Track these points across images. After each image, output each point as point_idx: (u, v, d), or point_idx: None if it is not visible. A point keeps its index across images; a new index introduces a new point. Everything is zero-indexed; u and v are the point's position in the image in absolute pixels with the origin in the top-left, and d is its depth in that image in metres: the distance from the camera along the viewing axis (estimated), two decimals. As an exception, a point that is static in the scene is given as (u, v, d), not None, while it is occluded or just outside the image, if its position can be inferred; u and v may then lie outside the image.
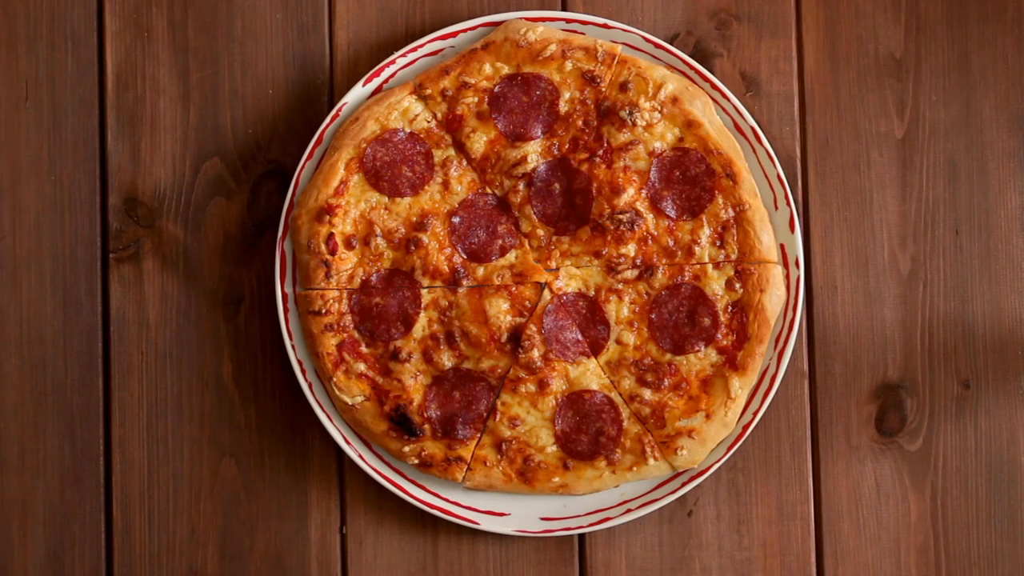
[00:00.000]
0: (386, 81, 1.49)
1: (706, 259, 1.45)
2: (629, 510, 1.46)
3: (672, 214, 1.46)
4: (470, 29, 1.49)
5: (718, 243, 1.45)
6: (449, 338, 1.46)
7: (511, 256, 1.47)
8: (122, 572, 1.49)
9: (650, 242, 1.46)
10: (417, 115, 1.48)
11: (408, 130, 1.48)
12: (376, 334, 1.46)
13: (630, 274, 1.47)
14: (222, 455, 1.50)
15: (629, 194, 1.45)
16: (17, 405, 1.51)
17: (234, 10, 1.53)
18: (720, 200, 1.45)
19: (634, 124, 1.45)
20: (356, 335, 1.46)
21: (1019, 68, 1.52)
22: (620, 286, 1.46)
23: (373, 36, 1.53)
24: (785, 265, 1.47)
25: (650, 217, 1.46)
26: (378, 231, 1.46)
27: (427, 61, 1.49)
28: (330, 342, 1.45)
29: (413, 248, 1.46)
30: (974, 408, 1.50)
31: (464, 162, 1.48)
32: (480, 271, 1.47)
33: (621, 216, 1.45)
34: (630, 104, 1.45)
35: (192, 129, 1.52)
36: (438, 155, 1.48)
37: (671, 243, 1.45)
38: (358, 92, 1.49)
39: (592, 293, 1.47)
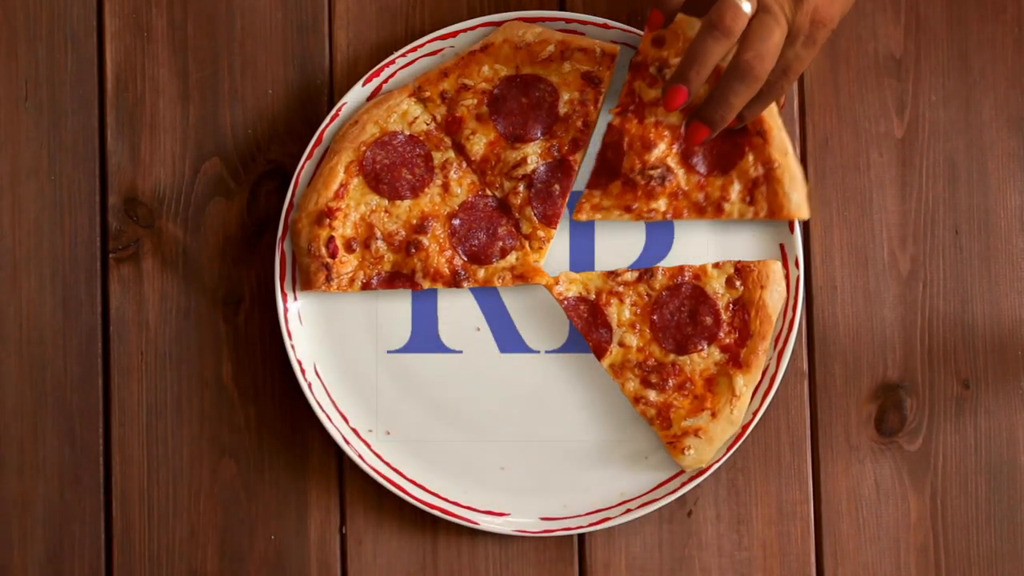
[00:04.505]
0: (385, 81, 1.49)
1: (735, 215, 1.44)
2: (629, 510, 1.47)
3: (702, 170, 1.45)
4: (470, 29, 1.49)
5: (747, 199, 1.44)
6: (450, 339, 1.48)
7: (511, 258, 1.48)
8: (122, 572, 1.49)
9: (680, 197, 1.45)
10: (416, 117, 1.48)
11: (408, 133, 1.48)
12: None
13: (630, 276, 1.47)
14: (222, 455, 1.50)
15: (660, 149, 1.44)
16: (17, 405, 1.51)
17: (234, 10, 1.53)
18: (750, 157, 1.44)
19: (664, 80, 1.44)
20: None
21: (1019, 68, 1.52)
22: (620, 288, 1.46)
23: (373, 36, 1.53)
24: (785, 265, 1.47)
25: (680, 172, 1.45)
26: (378, 234, 1.46)
27: (427, 61, 1.49)
28: None
29: (413, 251, 1.46)
30: (974, 408, 1.50)
31: (464, 164, 1.48)
32: (481, 273, 1.47)
33: (652, 171, 1.44)
34: (660, 61, 1.44)
35: (192, 129, 1.52)
36: (438, 157, 1.48)
37: (701, 199, 1.45)
38: (358, 92, 1.49)
39: (593, 296, 1.47)
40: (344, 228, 1.46)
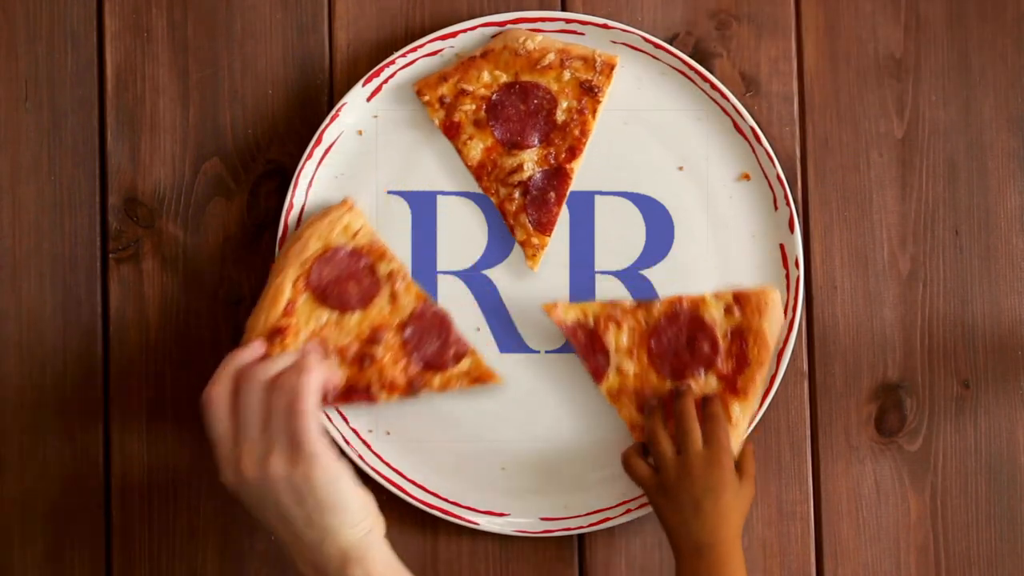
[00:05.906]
0: (386, 81, 1.49)
1: None
2: (629, 510, 1.47)
3: None
4: (470, 29, 1.49)
5: None
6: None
7: (465, 363, 1.47)
8: (122, 572, 1.50)
9: None
10: (358, 230, 1.46)
11: (351, 247, 1.46)
12: None
13: (628, 303, 1.46)
14: (222, 455, 1.50)
15: None
16: (17, 405, 1.51)
17: (234, 10, 1.53)
18: None
19: None
20: None
21: (1019, 68, 1.52)
22: (618, 315, 1.46)
23: (373, 36, 1.52)
24: (785, 265, 1.47)
25: None
26: (331, 348, 1.45)
27: (426, 62, 1.49)
28: None
29: (368, 363, 1.46)
30: (974, 408, 1.50)
31: (407, 275, 1.47)
32: (436, 380, 1.47)
33: None
34: None
35: (192, 129, 1.52)
36: (382, 268, 1.46)
37: None
38: (358, 92, 1.49)
39: (591, 323, 1.46)
40: (295, 345, 1.44)
